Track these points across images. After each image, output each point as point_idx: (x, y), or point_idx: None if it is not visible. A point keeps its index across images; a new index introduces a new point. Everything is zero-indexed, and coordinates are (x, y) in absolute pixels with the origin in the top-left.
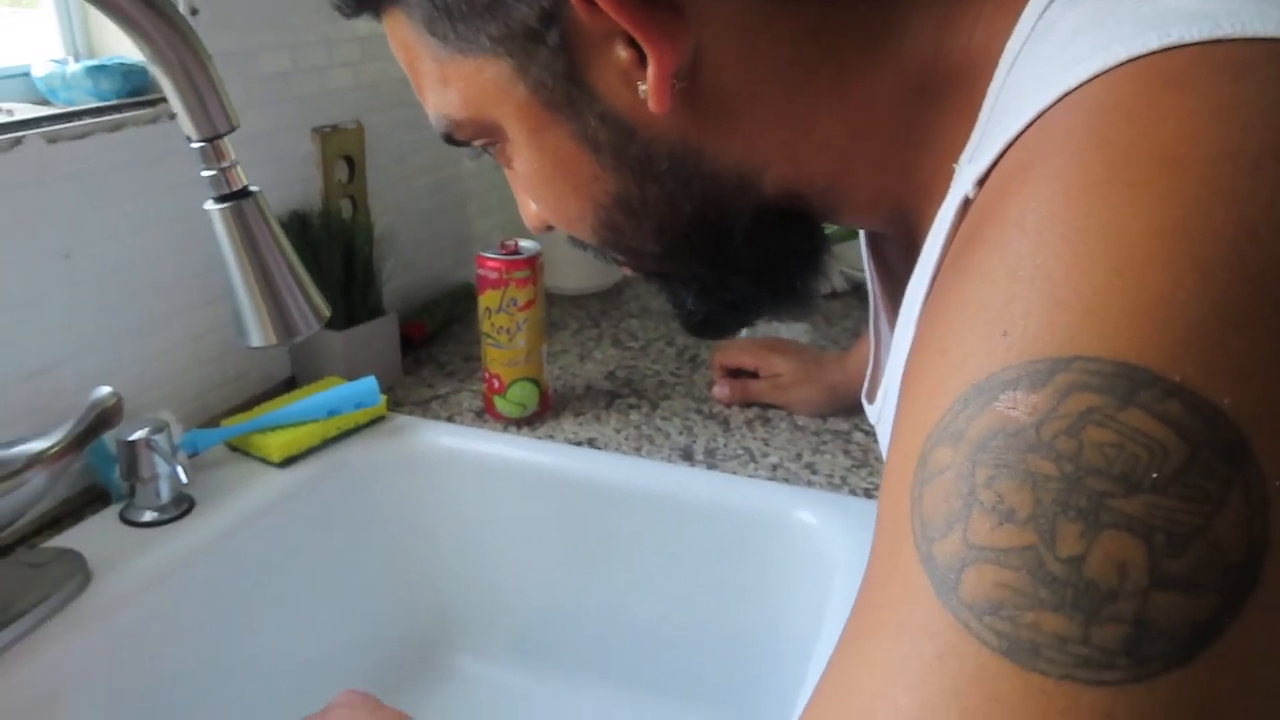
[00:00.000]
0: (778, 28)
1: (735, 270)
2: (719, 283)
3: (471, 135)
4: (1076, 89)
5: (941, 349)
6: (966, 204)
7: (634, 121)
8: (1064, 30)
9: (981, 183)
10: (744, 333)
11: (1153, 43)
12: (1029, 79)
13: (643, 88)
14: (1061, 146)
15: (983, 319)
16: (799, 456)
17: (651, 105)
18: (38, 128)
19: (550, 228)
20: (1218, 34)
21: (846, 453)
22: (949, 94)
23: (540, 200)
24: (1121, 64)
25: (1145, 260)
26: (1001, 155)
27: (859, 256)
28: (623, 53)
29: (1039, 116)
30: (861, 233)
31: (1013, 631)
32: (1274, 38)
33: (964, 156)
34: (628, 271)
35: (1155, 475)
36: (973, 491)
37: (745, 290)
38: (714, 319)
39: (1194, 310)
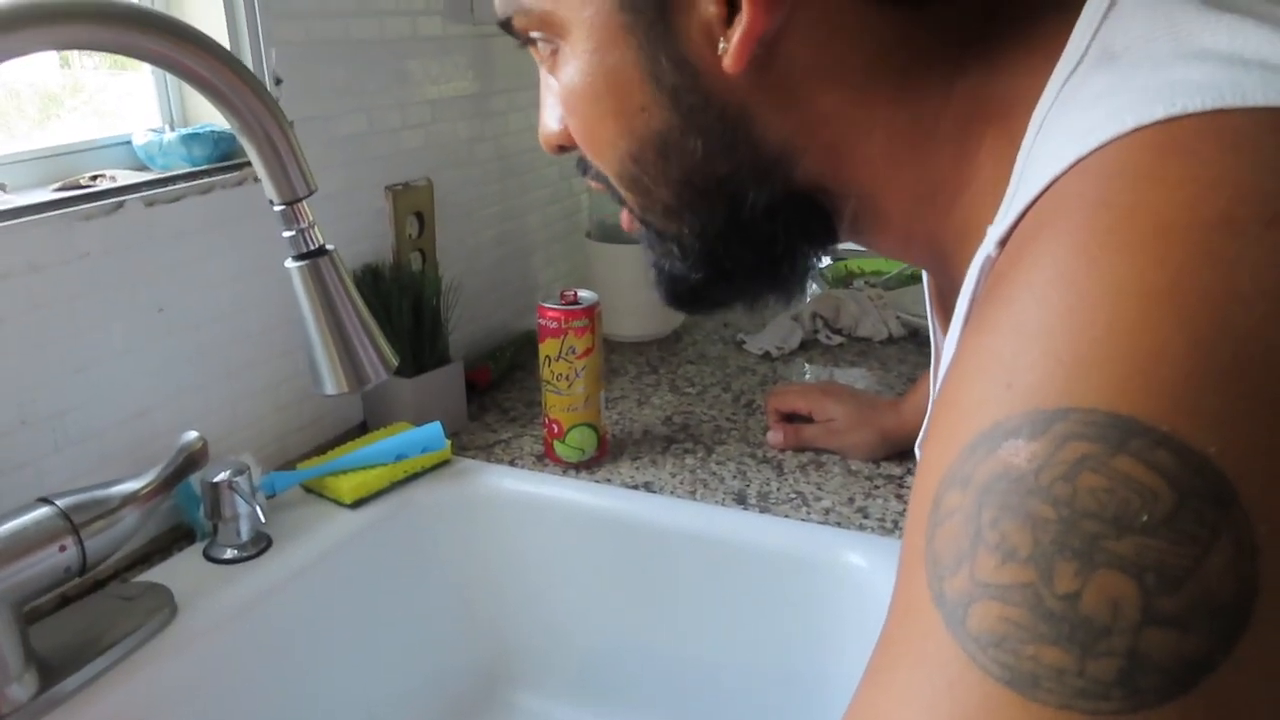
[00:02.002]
0: (862, 33)
1: (743, 240)
2: (724, 249)
3: (533, 28)
4: (1088, 155)
5: (955, 400)
6: (990, 263)
7: (701, 72)
8: (1084, 99)
9: (1003, 243)
10: (807, 375)
11: (1159, 112)
12: (1050, 145)
13: (722, 44)
14: (1070, 210)
15: (991, 371)
16: (851, 500)
17: (727, 63)
18: (137, 193)
19: (563, 149)
20: (1220, 104)
21: (899, 497)
22: (987, 140)
23: (577, 115)
24: (1129, 132)
25: (1138, 319)
26: (1021, 217)
27: (914, 302)
28: (712, 7)
29: (1055, 181)
30: (925, 280)
31: (1015, 663)
32: (1274, 107)
33: (996, 217)
34: (626, 224)
35: (1145, 518)
36: (979, 532)
37: (748, 262)
38: (701, 288)
39: (1182, 365)
